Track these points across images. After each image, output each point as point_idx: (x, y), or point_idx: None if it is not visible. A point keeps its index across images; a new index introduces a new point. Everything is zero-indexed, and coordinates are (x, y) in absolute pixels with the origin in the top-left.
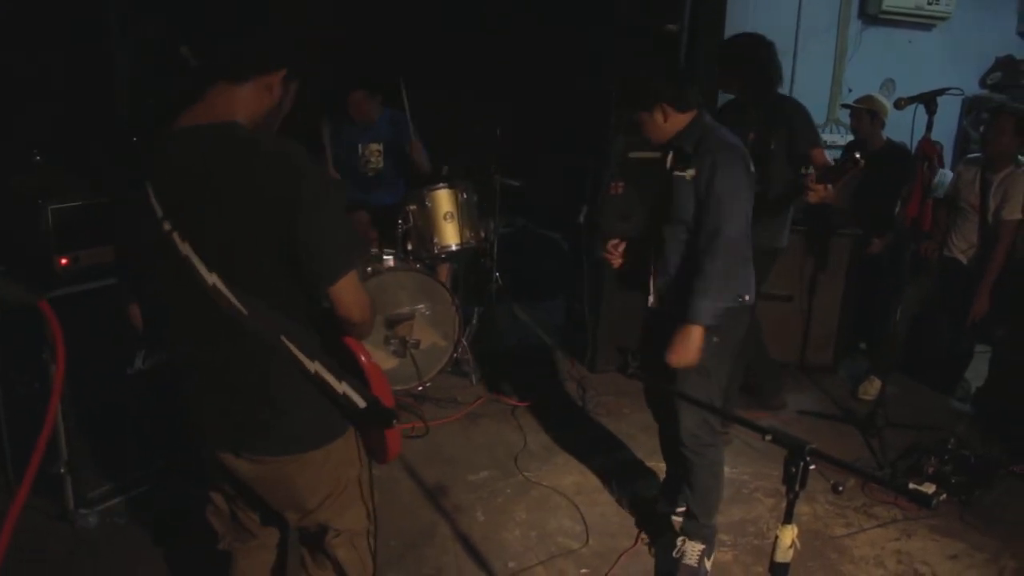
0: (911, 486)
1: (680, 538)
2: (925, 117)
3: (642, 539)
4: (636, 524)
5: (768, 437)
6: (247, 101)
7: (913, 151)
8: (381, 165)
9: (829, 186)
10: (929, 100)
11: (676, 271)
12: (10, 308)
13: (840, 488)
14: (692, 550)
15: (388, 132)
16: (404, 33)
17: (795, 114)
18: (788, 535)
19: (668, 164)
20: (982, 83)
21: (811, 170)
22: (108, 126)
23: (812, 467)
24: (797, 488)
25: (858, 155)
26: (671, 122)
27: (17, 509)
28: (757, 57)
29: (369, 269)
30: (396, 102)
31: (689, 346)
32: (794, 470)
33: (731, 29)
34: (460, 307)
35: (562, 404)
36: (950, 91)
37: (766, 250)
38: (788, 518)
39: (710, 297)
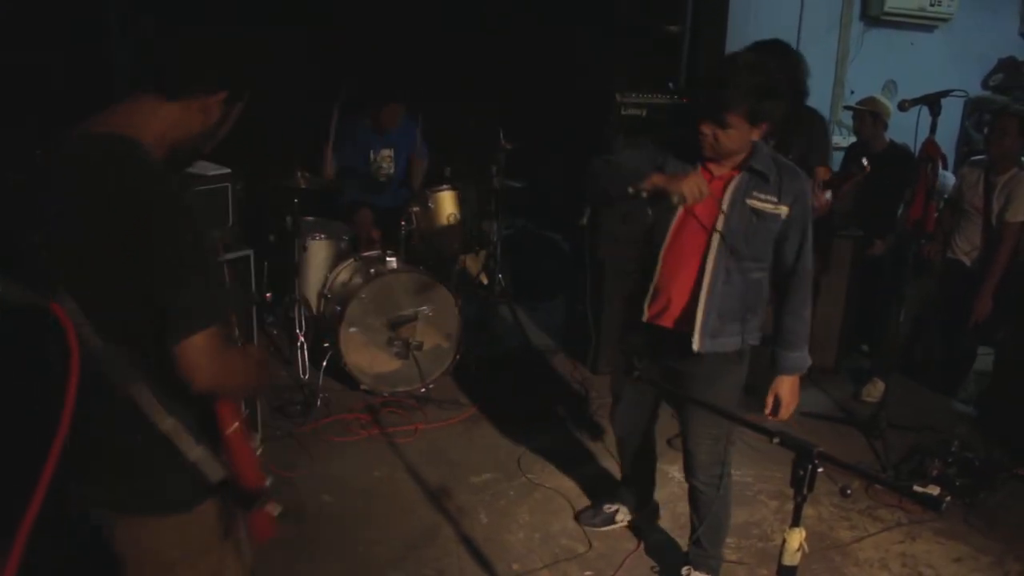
0: (918, 489)
1: (685, 567)
2: (929, 119)
3: (644, 541)
4: (639, 527)
5: (776, 440)
6: (170, 119)
7: (917, 153)
8: (392, 171)
9: (828, 194)
10: (933, 102)
11: (726, 309)
12: (12, 310)
13: (848, 491)
14: None
15: (399, 139)
16: (405, 34)
17: (814, 127)
18: (796, 538)
19: (733, 188)
20: (984, 84)
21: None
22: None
23: (820, 470)
24: (805, 491)
25: (864, 161)
26: (753, 136)
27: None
28: (795, 69)
29: (372, 270)
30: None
31: (797, 395)
32: (802, 473)
33: (733, 30)
34: (463, 309)
35: (565, 406)
36: (954, 93)
37: None
38: (796, 521)
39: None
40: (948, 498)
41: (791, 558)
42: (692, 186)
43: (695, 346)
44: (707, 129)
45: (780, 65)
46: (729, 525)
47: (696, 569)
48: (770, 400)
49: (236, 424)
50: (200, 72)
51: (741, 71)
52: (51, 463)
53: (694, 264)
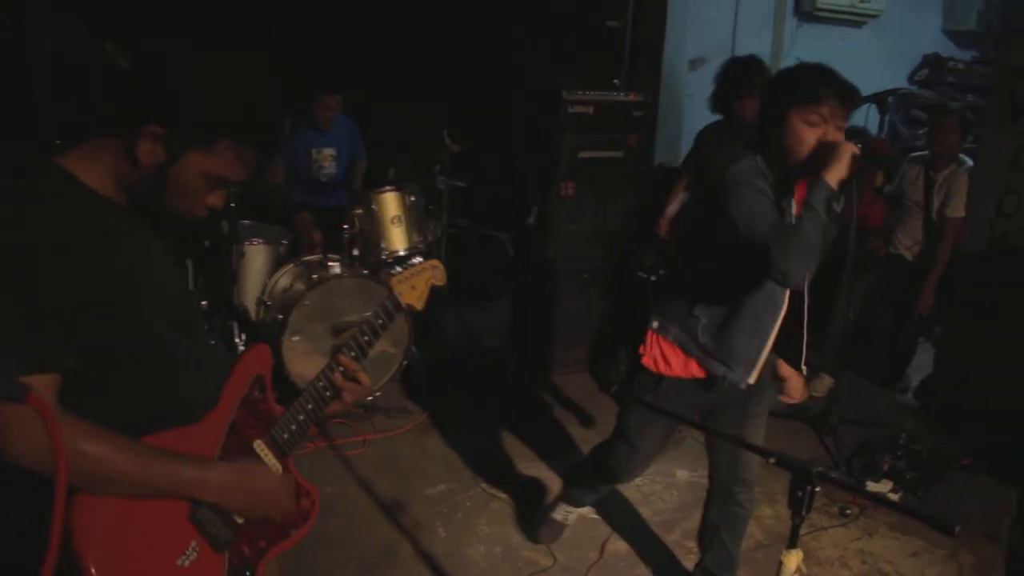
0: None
1: None
2: (876, 116)
3: (607, 550)
4: (601, 536)
5: (772, 460)
6: (105, 157)
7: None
8: (334, 171)
9: None
10: (881, 100)
11: None
12: None
13: (848, 512)
14: None
15: (339, 138)
16: (347, 33)
17: None
18: (793, 561)
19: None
20: (910, 79)
21: None
22: (30, 127)
23: (818, 490)
24: (804, 513)
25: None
26: None
27: None
28: (761, 80)
29: (315, 276)
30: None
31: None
32: (800, 494)
33: (671, 25)
34: (409, 313)
35: (517, 409)
36: (901, 91)
37: None
38: (793, 543)
39: None
40: (959, 527)
41: None
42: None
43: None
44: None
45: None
46: None
47: None
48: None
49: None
50: (112, 102)
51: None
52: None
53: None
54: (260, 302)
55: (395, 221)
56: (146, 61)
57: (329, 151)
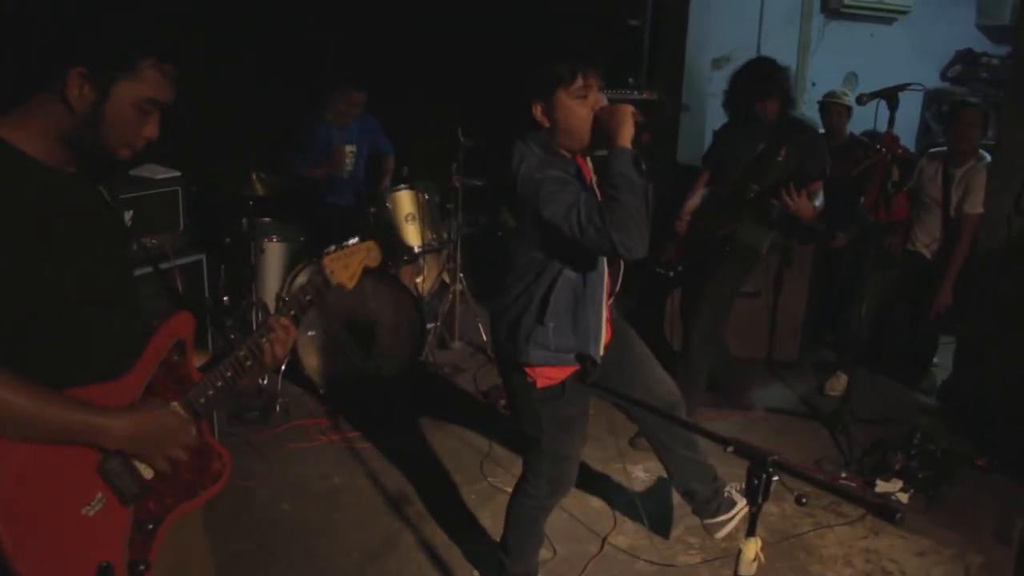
0: (878, 495)
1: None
2: (887, 112)
3: (608, 543)
4: (602, 529)
5: (730, 449)
6: (39, 108)
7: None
8: (353, 167)
9: (820, 201)
10: (891, 96)
11: None
12: None
13: (804, 500)
14: None
15: (360, 134)
16: (362, 30)
17: (812, 140)
18: (751, 548)
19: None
20: (943, 76)
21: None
22: None
23: (775, 479)
24: (760, 501)
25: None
26: None
27: None
28: (784, 82)
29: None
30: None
31: None
32: (756, 482)
33: (694, 24)
34: (423, 309)
35: None
36: (911, 87)
37: (748, 248)
38: (751, 531)
39: None
40: (900, 515)
41: (747, 568)
42: None
43: None
44: None
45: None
46: None
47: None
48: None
49: None
50: (26, 60)
51: None
52: None
53: None
54: (279, 298)
55: (409, 219)
56: (47, 6)
57: (350, 148)
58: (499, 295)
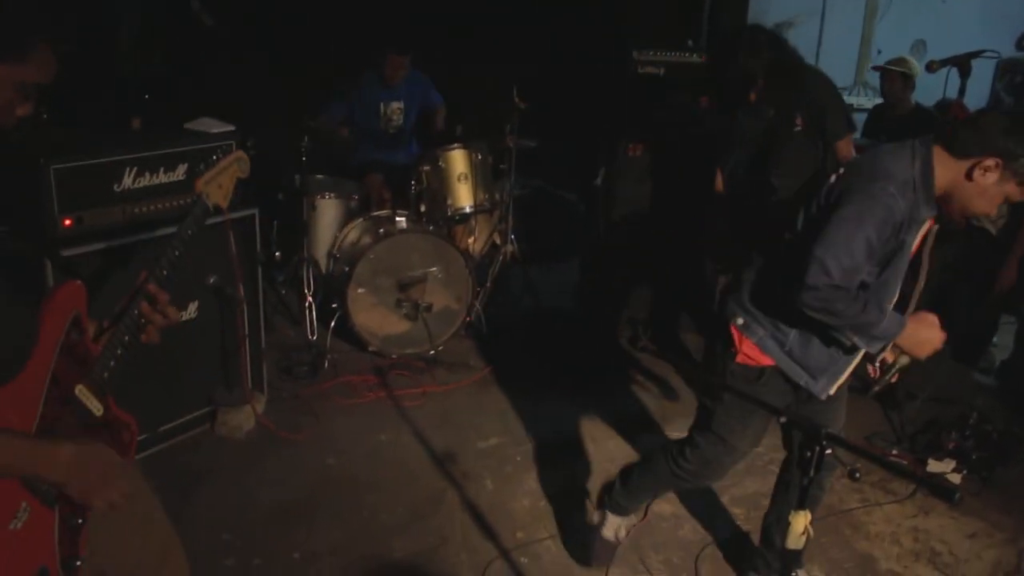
0: (932, 473)
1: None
2: (958, 81)
3: (652, 511)
4: None
5: (783, 419)
6: None
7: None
8: (402, 123)
9: None
10: (963, 63)
11: None
12: None
13: (858, 475)
14: None
15: (408, 92)
16: None
17: (825, 93)
18: (801, 522)
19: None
20: (1018, 45)
21: None
22: (110, 83)
23: (828, 452)
24: (812, 473)
25: None
26: None
27: None
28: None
29: (381, 230)
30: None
31: None
32: (809, 455)
33: None
34: (474, 270)
35: (575, 371)
36: (985, 53)
37: None
38: (801, 504)
39: None
40: (959, 495)
41: (796, 542)
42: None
43: None
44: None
45: None
46: None
47: None
48: None
49: None
50: None
51: None
52: None
53: None
54: (330, 255)
55: (462, 178)
56: None
57: (397, 104)
58: None
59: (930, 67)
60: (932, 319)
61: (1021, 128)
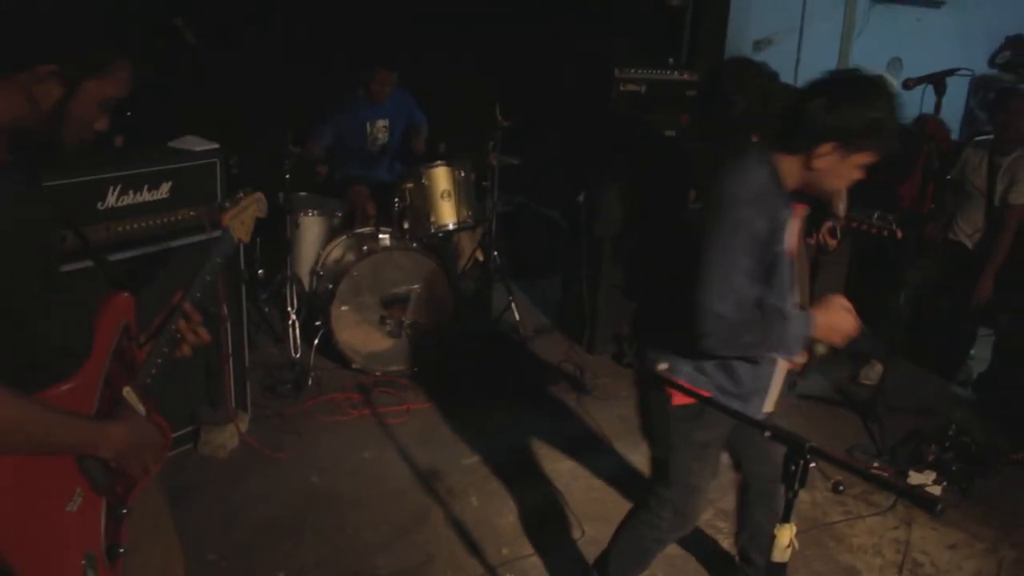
0: (914, 486)
1: None
2: (934, 97)
3: None
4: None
5: (768, 434)
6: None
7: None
8: (387, 140)
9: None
10: (939, 80)
11: None
12: None
13: (841, 488)
14: None
15: (394, 109)
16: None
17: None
18: (786, 534)
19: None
20: (991, 62)
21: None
22: None
23: (812, 465)
24: (796, 487)
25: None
26: None
27: None
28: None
29: (365, 247)
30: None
31: None
32: (793, 468)
33: (735, 5)
34: (456, 287)
35: (559, 387)
36: (960, 71)
37: None
38: (786, 517)
39: None
40: (941, 506)
41: (781, 555)
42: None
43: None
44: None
45: None
46: None
47: None
48: None
49: None
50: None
51: None
52: None
53: None
54: (313, 272)
55: (445, 196)
56: (19, 5)
57: (383, 122)
58: None
59: (907, 84)
60: (837, 301)
61: (838, 101)
